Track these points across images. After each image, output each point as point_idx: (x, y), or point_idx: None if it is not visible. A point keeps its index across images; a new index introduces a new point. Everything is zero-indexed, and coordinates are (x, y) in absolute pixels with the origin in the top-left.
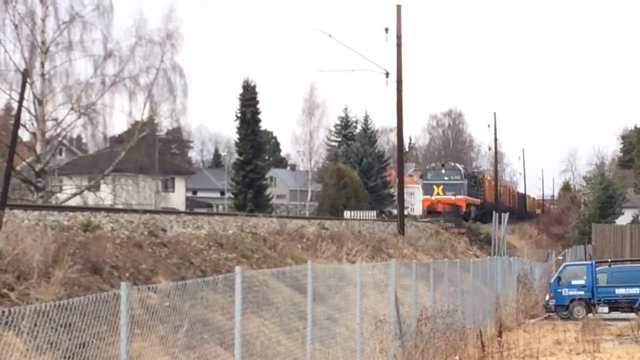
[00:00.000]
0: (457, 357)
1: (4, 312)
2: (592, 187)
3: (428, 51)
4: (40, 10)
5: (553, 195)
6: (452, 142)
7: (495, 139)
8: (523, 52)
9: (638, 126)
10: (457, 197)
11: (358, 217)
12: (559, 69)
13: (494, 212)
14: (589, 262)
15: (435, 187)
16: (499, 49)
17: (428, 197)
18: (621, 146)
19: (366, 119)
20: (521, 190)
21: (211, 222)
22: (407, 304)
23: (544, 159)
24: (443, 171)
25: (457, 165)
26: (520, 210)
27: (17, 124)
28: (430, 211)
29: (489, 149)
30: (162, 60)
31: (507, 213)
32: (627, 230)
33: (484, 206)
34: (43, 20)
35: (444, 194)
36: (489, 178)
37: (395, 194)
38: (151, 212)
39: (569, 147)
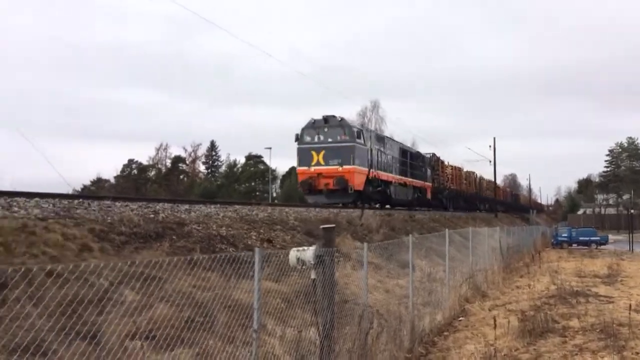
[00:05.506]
0: (521, 262)
1: (369, 244)
2: (566, 199)
3: None
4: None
5: (549, 200)
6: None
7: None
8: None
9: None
10: (425, 183)
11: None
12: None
13: (530, 209)
14: (568, 227)
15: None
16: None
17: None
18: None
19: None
20: (519, 192)
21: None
22: (503, 242)
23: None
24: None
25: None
26: (513, 203)
27: None
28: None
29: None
30: None
31: (529, 210)
32: (581, 216)
33: (441, 190)
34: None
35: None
36: (451, 166)
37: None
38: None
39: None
